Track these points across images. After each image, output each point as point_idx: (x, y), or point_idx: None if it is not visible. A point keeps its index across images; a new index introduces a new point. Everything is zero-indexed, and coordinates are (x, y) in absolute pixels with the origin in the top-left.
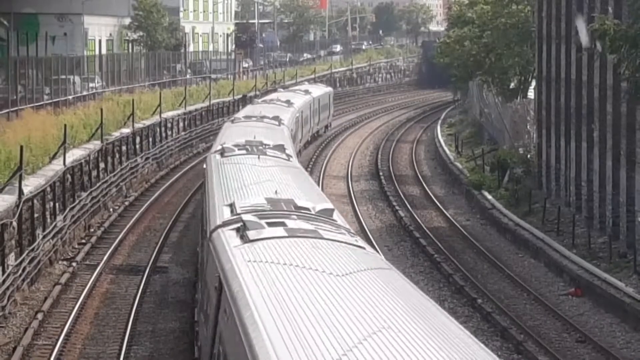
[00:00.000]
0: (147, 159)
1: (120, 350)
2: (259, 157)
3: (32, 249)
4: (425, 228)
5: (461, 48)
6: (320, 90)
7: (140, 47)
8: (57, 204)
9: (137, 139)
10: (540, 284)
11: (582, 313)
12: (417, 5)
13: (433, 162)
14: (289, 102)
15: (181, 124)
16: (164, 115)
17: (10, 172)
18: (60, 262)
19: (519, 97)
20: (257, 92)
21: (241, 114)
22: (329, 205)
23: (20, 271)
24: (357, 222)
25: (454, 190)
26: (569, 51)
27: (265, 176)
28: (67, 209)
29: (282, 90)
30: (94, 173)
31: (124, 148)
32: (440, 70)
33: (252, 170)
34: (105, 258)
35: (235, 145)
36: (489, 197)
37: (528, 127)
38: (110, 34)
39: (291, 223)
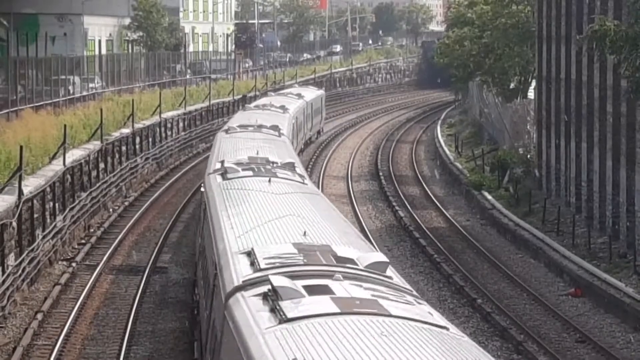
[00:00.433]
0: (146, 159)
1: (120, 350)
2: (269, 181)
3: (32, 249)
4: (425, 228)
5: (461, 48)
6: (312, 93)
7: (140, 47)
8: (56, 204)
9: (137, 139)
10: (540, 284)
11: (582, 313)
12: (417, 6)
13: (432, 162)
14: (284, 108)
15: (181, 124)
16: (163, 116)
17: (10, 172)
18: (60, 262)
19: (519, 97)
20: (257, 93)
21: (234, 122)
22: (381, 257)
23: (20, 271)
24: (357, 223)
25: (453, 191)
26: (569, 51)
27: (283, 208)
28: (67, 209)
29: (272, 94)
30: (94, 173)
31: (123, 148)
32: (440, 71)
33: (265, 199)
34: (104, 258)
35: (238, 164)
36: (489, 197)
37: (528, 127)
38: (110, 34)
39: (337, 287)
